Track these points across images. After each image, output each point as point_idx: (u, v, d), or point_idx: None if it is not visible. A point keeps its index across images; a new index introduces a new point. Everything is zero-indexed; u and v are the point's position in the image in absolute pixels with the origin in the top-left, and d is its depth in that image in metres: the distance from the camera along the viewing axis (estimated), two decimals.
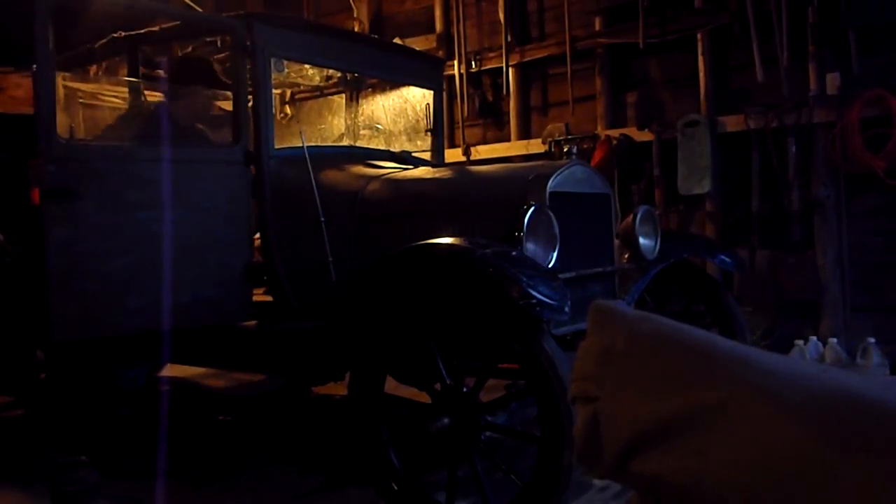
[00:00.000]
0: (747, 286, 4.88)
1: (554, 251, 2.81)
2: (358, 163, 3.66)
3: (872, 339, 4.35)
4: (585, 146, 5.50)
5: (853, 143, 4.47)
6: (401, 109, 4.53)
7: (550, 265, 2.78)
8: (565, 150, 5.52)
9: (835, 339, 4.48)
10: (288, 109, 6.11)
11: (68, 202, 2.94)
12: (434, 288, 2.73)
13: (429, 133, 4.45)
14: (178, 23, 3.77)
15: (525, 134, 6.04)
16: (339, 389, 3.47)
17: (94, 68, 4.41)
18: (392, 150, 4.25)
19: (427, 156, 4.37)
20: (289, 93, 6.08)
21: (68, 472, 2.69)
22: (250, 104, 3.42)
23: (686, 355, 0.83)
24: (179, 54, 4.62)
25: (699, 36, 5.08)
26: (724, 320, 3.66)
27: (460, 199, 3.17)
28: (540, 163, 4.08)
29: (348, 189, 3.38)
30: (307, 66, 4.57)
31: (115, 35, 3.83)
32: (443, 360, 2.64)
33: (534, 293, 2.38)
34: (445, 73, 5.24)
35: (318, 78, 5.04)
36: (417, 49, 5.38)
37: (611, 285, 3.30)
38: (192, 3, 5.94)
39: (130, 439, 3.79)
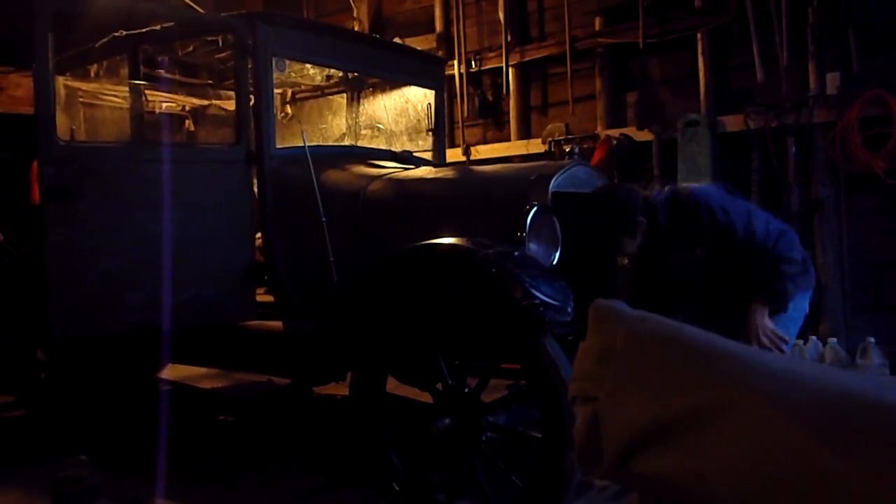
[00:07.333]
0: None
1: (556, 251, 2.81)
2: (359, 162, 3.66)
3: (872, 339, 4.35)
4: (585, 146, 5.49)
5: (853, 142, 4.46)
6: (402, 109, 4.52)
7: (552, 265, 2.78)
8: (567, 150, 5.51)
9: (835, 339, 4.47)
10: (289, 109, 6.11)
11: (67, 202, 2.94)
12: (436, 288, 2.73)
13: (430, 133, 4.45)
14: (179, 22, 3.77)
15: (525, 134, 6.03)
16: (340, 389, 3.46)
17: (94, 68, 4.41)
18: (393, 149, 4.24)
19: (428, 155, 4.37)
20: (290, 92, 6.08)
21: (68, 472, 2.69)
22: (251, 104, 3.42)
23: (686, 355, 0.83)
24: (180, 53, 4.62)
25: (699, 36, 5.07)
26: None
27: (462, 199, 3.16)
28: (542, 163, 4.07)
29: (350, 189, 3.38)
30: (308, 65, 4.57)
31: (115, 34, 3.83)
32: (444, 361, 2.64)
33: (536, 293, 2.38)
34: (446, 72, 5.23)
35: (319, 77, 5.04)
36: (418, 49, 5.38)
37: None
38: (192, 4, 5.94)
39: (130, 439, 3.79)
